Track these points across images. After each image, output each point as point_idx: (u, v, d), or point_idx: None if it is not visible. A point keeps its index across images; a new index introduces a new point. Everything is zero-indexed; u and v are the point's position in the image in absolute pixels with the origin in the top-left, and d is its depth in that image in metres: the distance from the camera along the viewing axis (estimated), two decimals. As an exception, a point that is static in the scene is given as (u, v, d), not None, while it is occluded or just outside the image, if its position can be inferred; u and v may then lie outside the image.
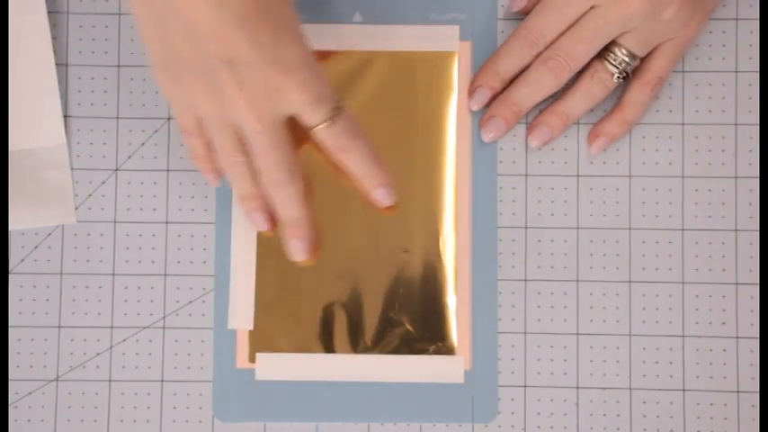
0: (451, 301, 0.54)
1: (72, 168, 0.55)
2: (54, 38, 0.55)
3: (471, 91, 0.54)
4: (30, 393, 0.54)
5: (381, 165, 0.52)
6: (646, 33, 0.51)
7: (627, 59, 0.52)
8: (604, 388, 0.54)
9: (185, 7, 0.43)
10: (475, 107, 0.54)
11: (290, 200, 0.50)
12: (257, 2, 0.44)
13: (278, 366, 0.54)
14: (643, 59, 0.53)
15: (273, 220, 0.52)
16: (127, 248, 0.55)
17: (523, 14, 0.54)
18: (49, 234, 0.55)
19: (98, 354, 0.54)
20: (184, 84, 0.47)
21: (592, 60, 0.53)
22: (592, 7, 0.51)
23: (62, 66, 0.55)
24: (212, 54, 0.45)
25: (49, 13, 0.55)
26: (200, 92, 0.47)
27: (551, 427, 0.54)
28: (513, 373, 0.54)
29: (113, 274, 0.55)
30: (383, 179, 0.52)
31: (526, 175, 0.55)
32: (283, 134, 0.48)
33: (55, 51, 0.55)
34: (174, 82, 0.48)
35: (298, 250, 0.52)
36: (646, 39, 0.52)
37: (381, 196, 0.52)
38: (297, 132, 0.55)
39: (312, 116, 0.48)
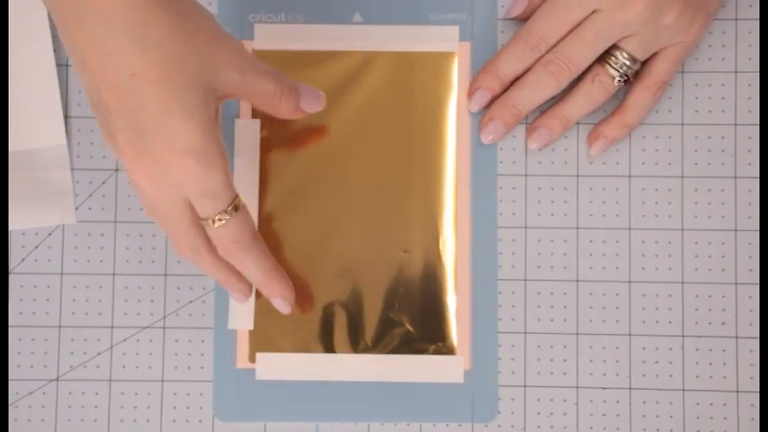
0: (451, 301, 0.54)
1: (72, 168, 0.55)
2: (54, 38, 0.55)
3: (471, 93, 0.54)
4: (30, 393, 0.54)
5: (277, 275, 0.49)
6: (647, 38, 0.51)
7: (628, 63, 0.52)
8: (604, 388, 0.54)
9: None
10: (474, 109, 0.54)
11: (208, 271, 0.48)
12: (157, 65, 0.40)
13: (278, 366, 0.54)
14: (645, 63, 0.53)
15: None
16: (127, 248, 0.55)
17: (521, 21, 0.54)
18: (50, 234, 0.55)
19: (98, 354, 0.54)
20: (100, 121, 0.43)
21: (593, 64, 0.53)
22: (593, 11, 0.51)
23: (62, 66, 0.55)
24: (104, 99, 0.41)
25: (49, 13, 0.54)
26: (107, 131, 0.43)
27: (551, 427, 0.54)
28: (513, 373, 0.54)
29: (113, 274, 0.55)
30: (278, 291, 0.50)
31: (526, 175, 0.55)
32: (181, 212, 0.44)
33: (55, 51, 0.55)
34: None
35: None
36: (647, 43, 0.51)
37: (278, 306, 0.51)
38: (292, 130, 0.55)
39: (198, 208, 0.44)
